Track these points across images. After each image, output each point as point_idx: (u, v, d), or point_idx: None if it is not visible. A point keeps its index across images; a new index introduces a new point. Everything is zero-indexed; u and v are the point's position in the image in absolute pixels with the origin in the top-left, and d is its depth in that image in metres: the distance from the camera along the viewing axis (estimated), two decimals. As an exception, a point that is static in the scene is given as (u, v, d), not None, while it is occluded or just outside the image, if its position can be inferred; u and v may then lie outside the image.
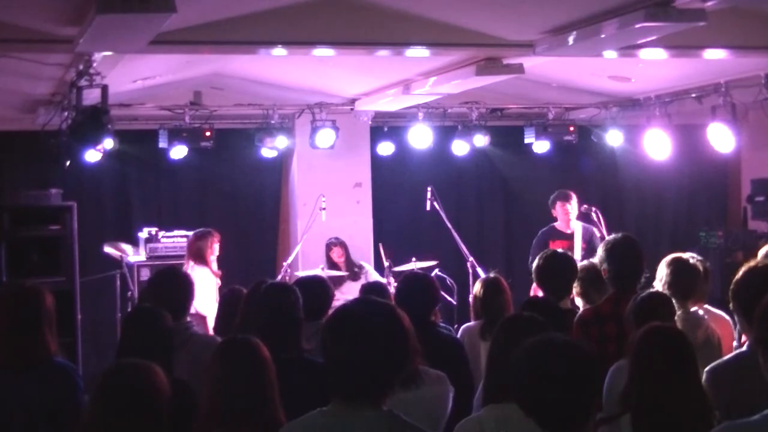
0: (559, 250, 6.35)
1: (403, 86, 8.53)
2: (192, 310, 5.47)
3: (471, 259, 9.20)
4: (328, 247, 9.71)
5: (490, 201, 11.57)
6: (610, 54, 6.53)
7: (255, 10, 5.64)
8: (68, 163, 8.07)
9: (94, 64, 6.26)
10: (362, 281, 9.07)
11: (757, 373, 2.58)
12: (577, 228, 8.82)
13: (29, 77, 7.19)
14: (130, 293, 8.93)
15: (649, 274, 5.17)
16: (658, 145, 9.41)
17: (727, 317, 5.02)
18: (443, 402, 4.02)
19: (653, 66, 7.71)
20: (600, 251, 5.15)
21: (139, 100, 9.03)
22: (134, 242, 9.55)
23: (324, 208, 9.61)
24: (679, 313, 4.63)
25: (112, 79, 6.70)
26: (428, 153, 10.41)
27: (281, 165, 10.80)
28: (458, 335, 5.54)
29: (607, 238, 5.41)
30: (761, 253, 5.70)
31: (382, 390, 2.66)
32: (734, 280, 3.85)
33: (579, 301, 5.61)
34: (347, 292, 8.72)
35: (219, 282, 8.10)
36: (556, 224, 8.98)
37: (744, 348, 3.80)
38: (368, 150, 10.61)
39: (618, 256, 4.97)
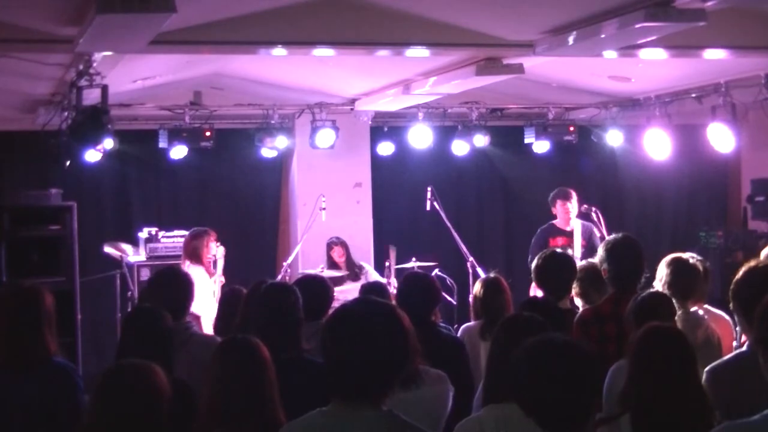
0: (558, 249, 6.35)
1: (403, 86, 8.53)
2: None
3: (471, 259, 9.20)
4: (329, 246, 9.71)
5: (490, 201, 11.57)
6: (610, 54, 6.52)
7: (255, 10, 5.63)
8: (68, 163, 8.07)
9: (94, 64, 6.26)
10: (362, 281, 9.08)
11: (757, 373, 2.58)
12: (576, 225, 8.82)
13: (29, 77, 7.19)
14: (130, 293, 8.93)
15: (649, 274, 5.17)
16: (658, 145, 9.41)
17: (727, 317, 5.02)
18: (443, 402, 4.02)
19: (653, 66, 7.71)
20: (600, 251, 5.15)
21: (139, 100, 9.04)
22: (134, 242, 9.55)
23: (324, 208, 9.61)
24: (679, 313, 4.63)
25: (112, 79, 6.69)
26: (428, 153, 10.41)
27: (281, 165, 10.80)
28: (458, 335, 5.54)
29: (607, 238, 5.41)
30: (764, 253, 5.70)
31: (382, 390, 2.66)
32: (734, 280, 3.85)
33: (578, 302, 5.61)
34: (347, 292, 8.72)
35: (224, 280, 8.09)
36: (555, 222, 8.97)
37: (744, 348, 3.81)
38: (368, 150, 10.61)
39: (618, 256, 4.97)
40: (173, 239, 9.25)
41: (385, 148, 10.53)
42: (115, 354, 4.17)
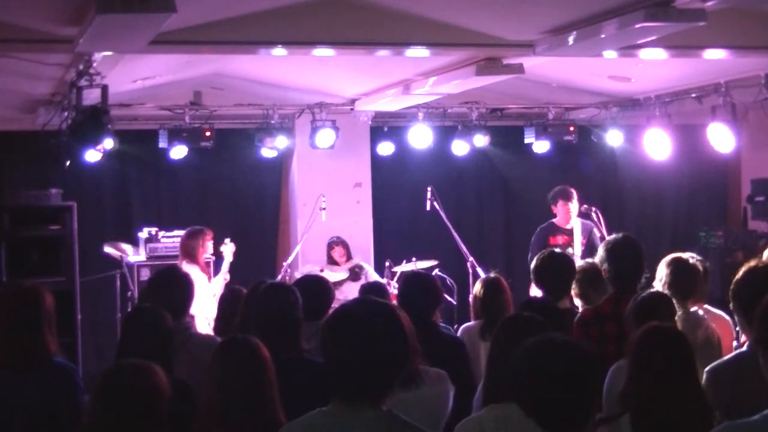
0: (557, 249, 6.35)
1: (403, 86, 8.53)
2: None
3: (471, 259, 9.20)
4: (330, 246, 9.72)
5: (490, 201, 11.57)
6: (610, 54, 6.53)
7: (255, 10, 5.63)
8: (68, 163, 8.08)
9: (94, 64, 6.26)
10: (362, 281, 9.08)
11: (757, 373, 2.58)
12: (576, 224, 8.82)
13: (29, 77, 7.19)
14: (130, 293, 8.93)
15: (649, 274, 5.17)
16: (658, 145, 9.41)
17: (727, 317, 5.01)
18: (444, 401, 4.02)
19: (653, 66, 7.71)
20: (600, 251, 5.15)
21: (139, 100, 9.04)
22: (134, 242, 9.55)
23: (324, 208, 9.61)
24: (679, 313, 4.63)
25: (112, 79, 6.70)
26: (428, 153, 10.41)
27: (281, 165, 10.80)
28: (458, 335, 5.54)
29: (608, 238, 5.41)
30: (766, 254, 5.70)
31: (381, 390, 2.66)
32: (734, 280, 3.85)
33: (578, 302, 5.61)
34: (347, 292, 8.72)
35: (228, 278, 8.04)
36: (555, 220, 8.96)
37: (744, 348, 3.80)
38: (368, 150, 10.61)
39: (618, 256, 4.97)
40: (173, 239, 9.23)
41: (385, 148, 10.53)
42: (115, 354, 4.17)
